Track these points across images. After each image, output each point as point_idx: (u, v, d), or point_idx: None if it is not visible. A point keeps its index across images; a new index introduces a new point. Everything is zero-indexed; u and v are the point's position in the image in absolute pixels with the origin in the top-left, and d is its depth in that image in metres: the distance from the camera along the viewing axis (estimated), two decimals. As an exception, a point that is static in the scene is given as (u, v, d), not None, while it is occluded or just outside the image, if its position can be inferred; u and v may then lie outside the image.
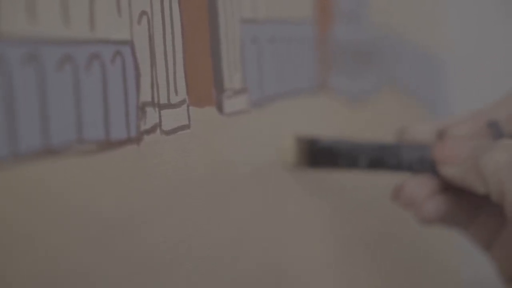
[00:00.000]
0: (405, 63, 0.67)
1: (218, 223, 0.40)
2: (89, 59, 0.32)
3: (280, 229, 0.47)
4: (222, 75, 0.41)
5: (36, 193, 0.29)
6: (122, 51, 0.34)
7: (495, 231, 0.44)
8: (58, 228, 0.30)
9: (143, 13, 0.35)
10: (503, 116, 0.44)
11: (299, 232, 0.49)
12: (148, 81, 0.35)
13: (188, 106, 0.38)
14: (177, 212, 0.37)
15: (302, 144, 0.46)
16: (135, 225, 0.34)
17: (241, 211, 0.43)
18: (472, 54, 0.79)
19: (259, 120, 0.44)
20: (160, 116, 0.36)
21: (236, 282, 0.42)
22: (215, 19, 0.40)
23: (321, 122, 0.52)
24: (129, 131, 0.34)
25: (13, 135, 0.28)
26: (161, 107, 0.36)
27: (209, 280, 0.40)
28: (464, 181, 0.42)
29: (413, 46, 0.69)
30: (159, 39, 0.36)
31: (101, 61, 0.32)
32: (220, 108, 0.41)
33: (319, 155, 0.46)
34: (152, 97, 0.35)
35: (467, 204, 0.44)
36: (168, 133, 0.36)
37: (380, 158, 0.44)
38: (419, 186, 0.44)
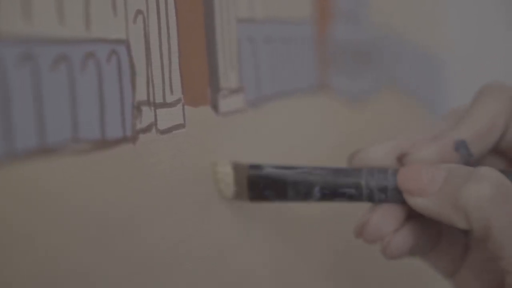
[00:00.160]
0: (405, 63, 0.67)
1: (214, 223, 0.41)
2: (84, 58, 0.32)
3: (281, 228, 0.47)
4: (218, 74, 0.41)
5: (32, 192, 0.29)
6: (118, 50, 0.34)
7: (459, 258, 0.42)
8: (54, 227, 0.30)
9: (139, 12, 0.35)
10: (469, 135, 0.40)
11: (301, 231, 0.49)
12: (144, 80, 0.35)
13: (183, 105, 0.38)
14: (174, 212, 0.37)
15: (240, 172, 0.39)
16: (130, 224, 0.34)
17: (237, 211, 0.43)
18: (472, 54, 0.79)
19: (255, 119, 0.44)
20: (155, 115, 0.36)
21: (236, 282, 0.42)
22: (211, 18, 0.40)
23: (319, 122, 0.52)
24: (124, 130, 0.34)
25: (9, 135, 0.28)
26: (156, 106, 0.36)
27: (209, 280, 0.40)
28: (440, 215, 0.37)
29: (413, 46, 0.69)
30: (154, 38, 0.36)
31: (97, 60, 0.32)
32: (215, 107, 0.41)
33: (262, 185, 0.39)
34: (148, 96, 0.35)
35: (432, 232, 0.41)
36: (163, 132, 0.37)
37: (336, 186, 0.39)
38: (384, 219, 0.39)
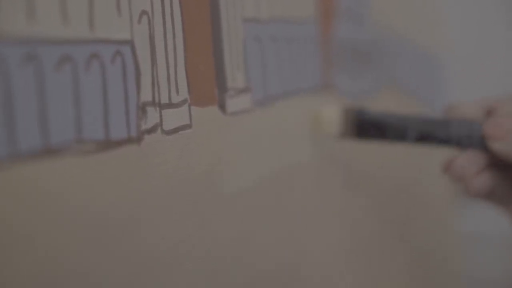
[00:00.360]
0: (405, 63, 0.67)
1: (219, 223, 0.40)
2: (88, 59, 0.31)
3: (283, 229, 0.47)
4: (225, 74, 0.41)
5: (35, 193, 0.29)
6: (122, 51, 0.33)
7: None
8: (57, 228, 0.30)
9: (144, 12, 0.35)
10: None
11: (303, 232, 0.49)
12: (149, 81, 0.35)
13: (189, 106, 0.38)
14: (178, 212, 0.37)
15: (348, 115, 0.46)
16: (135, 224, 0.34)
17: (243, 212, 0.42)
18: (472, 54, 0.79)
19: (262, 119, 0.44)
20: (161, 116, 0.36)
21: (236, 282, 0.42)
22: (217, 18, 0.40)
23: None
24: (129, 131, 0.34)
25: (12, 135, 0.28)
26: (162, 106, 0.36)
27: (209, 280, 0.40)
28: (509, 155, 0.45)
29: (414, 46, 0.69)
30: (159, 38, 0.36)
31: (101, 61, 0.32)
32: (222, 107, 0.40)
33: (366, 126, 0.46)
34: (153, 97, 0.35)
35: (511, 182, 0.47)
36: (169, 132, 0.36)
37: (429, 132, 0.46)
38: (468, 161, 0.46)
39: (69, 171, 0.31)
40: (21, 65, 0.28)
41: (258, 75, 0.44)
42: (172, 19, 0.37)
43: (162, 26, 0.36)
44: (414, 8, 0.71)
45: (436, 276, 0.68)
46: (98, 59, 0.32)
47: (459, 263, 0.76)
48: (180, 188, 0.37)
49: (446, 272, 0.71)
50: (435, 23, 0.76)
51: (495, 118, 0.46)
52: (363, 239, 0.56)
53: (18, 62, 0.28)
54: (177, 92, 0.37)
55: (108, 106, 0.32)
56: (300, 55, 0.49)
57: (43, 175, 0.29)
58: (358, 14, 0.58)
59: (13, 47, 0.28)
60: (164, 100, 0.36)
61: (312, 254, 0.50)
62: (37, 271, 0.29)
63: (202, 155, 0.39)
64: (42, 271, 0.29)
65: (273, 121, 0.45)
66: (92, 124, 0.31)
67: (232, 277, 0.42)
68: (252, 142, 0.43)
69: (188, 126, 0.38)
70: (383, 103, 0.62)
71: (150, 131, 0.35)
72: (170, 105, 0.36)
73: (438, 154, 0.50)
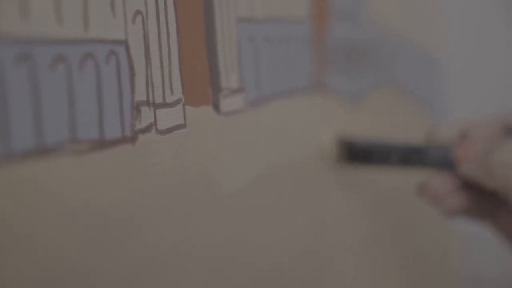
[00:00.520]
0: (403, 62, 0.67)
1: (214, 223, 0.40)
2: (83, 58, 0.32)
3: (281, 229, 0.47)
4: (219, 74, 0.41)
5: (29, 193, 0.29)
6: (117, 51, 0.34)
7: None
8: (52, 228, 0.30)
9: (138, 12, 0.35)
10: None
11: (301, 231, 0.49)
12: (143, 81, 0.35)
13: (184, 106, 0.38)
14: (174, 212, 0.37)
15: (342, 144, 0.51)
16: (130, 224, 0.34)
17: (238, 212, 0.43)
18: (470, 54, 0.79)
19: (256, 119, 0.44)
20: (155, 116, 0.36)
21: (235, 281, 0.42)
22: (211, 18, 0.40)
23: (318, 121, 0.52)
24: (123, 131, 0.34)
25: (6, 135, 0.28)
26: (156, 106, 0.36)
27: (208, 279, 0.40)
28: (477, 177, 0.46)
29: (412, 46, 0.69)
30: (154, 38, 0.36)
31: (95, 60, 0.32)
32: (216, 107, 0.41)
33: (356, 153, 0.51)
34: (147, 97, 0.35)
35: (487, 200, 0.49)
36: (163, 132, 0.36)
37: (408, 156, 0.49)
38: (441, 182, 0.48)
39: (64, 171, 0.31)
40: (15, 65, 0.28)
41: (252, 75, 0.44)
42: (166, 19, 0.37)
43: (156, 26, 0.36)
44: (413, 8, 0.71)
45: (435, 275, 0.68)
46: (92, 59, 0.32)
47: (458, 263, 0.76)
48: (175, 187, 0.37)
49: (445, 272, 0.71)
50: (435, 23, 0.76)
51: (465, 141, 0.48)
52: (361, 239, 0.56)
53: (11, 62, 0.28)
54: (171, 91, 0.37)
55: (102, 106, 0.33)
56: (294, 55, 0.49)
57: (37, 175, 0.29)
58: (354, 14, 0.58)
59: (6, 47, 0.28)
60: (159, 100, 0.36)
61: (312, 253, 0.50)
62: (36, 271, 0.29)
63: (197, 155, 0.39)
64: (41, 271, 0.29)
65: (267, 121, 0.45)
66: (86, 123, 0.32)
67: (232, 277, 0.42)
68: (246, 142, 0.43)
69: (183, 126, 0.38)
70: (381, 103, 0.62)
71: (145, 130, 0.35)
72: (165, 104, 0.37)
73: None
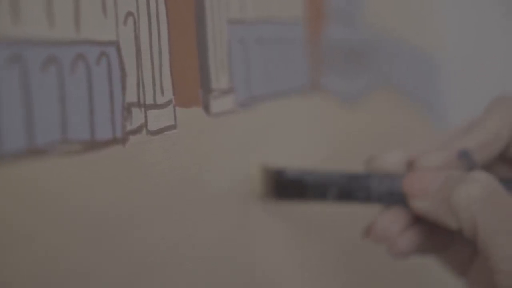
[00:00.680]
0: (400, 63, 0.67)
1: (205, 224, 0.41)
2: (74, 60, 0.32)
3: (280, 227, 0.47)
4: (209, 75, 0.41)
5: (21, 194, 0.29)
6: (108, 52, 0.34)
7: (469, 258, 0.44)
8: (47, 228, 0.30)
9: (129, 14, 0.35)
10: (473, 144, 0.43)
11: (300, 231, 0.49)
12: (134, 82, 0.35)
13: (174, 107, 0.38)
14: (164, 213, 0.37)
15: (268, 175, 0.44)
16: (123, 225, 0.34)
17: (228, 212, 0.43)
18: (468, 55, 0.79)
19: (246, 120, 0.44)
20: (146, 117, 0.36)
21: (236, 281, 0.42)
22: (202, 20, 0.40)
23: (312, 122, 0.52)
24: (114, 132, 0.34)
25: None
26: (147, 107, 0.36)
27: (208, 280, 0.40)
28: (435, 216, 0.40)
29: (409, 47, 0.70)
30: (145, 39, 0.36)
31: (86, 62, 0.32)
32: (206, 108, 0.41)
33: (285, 186, 0.44)
34: (138, 98, 0.36)
35: (440, 234, 0.43)
36: (154, 133, 0.37)
37: (349, 190, 0.43)
38: (391, 221, 0.42)
39: (55, 172, 0.31)
40: (6, 66, 0.28)
41: (242, 76, 0.44)
42: (157, 21, 0.37)
43: (147, 27, 0.36)
44: (411, 9, 0.71)
45: (435, 275, 0.68)
46: (83, 60, 0.32)
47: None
48: (166, 188, 0.37)
49: (444, 272, 0.71)
50: (433, 23, 0.76)
51: (415, 172, 0.42)
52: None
53: (2, 63, 0.28)
54: (162, 93, 0.37)
55: (93, 107, 0.33)
56: (287, 56, 0.49)
57: (29, 176, 0.29)
58: (350, 15, 0.58)
59: (-2, 48, 0.28)
60: (149, 100, 0.36)
61: (311, 253, 0.50)
62: (35, 271, 0.29)
63: (187, 156, 0.39)
64: (40, 271, 0.30)
65: (257, 122, 0.45)
66: (77, 124, 0.32)
67: (232, 277, 0.42)
68: (236, 143, 0.44)
69: (173, 126, 0.38)
70: (378, 104, 0.62)
71: (135, 131, 0.35)
72: (155, 105, 0.37)
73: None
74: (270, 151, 0.47)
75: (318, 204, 0.45)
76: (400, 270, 0.60)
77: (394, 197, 0.42)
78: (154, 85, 0.37)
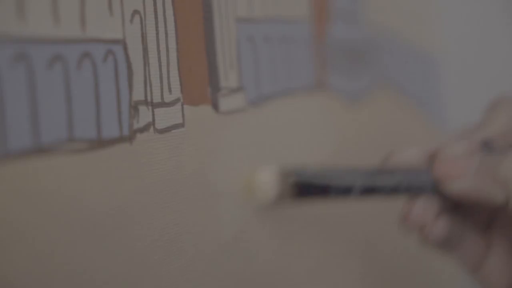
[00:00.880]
0: (401, 63, 0.67)
1: (212, 222, 0.41)
2: (80, 58, 0.32)
3: (280, 227, 0.47)
4: (218, 73, 0.41)
5: (27, 192, 0.29)
6: (114, 50, 0.34)
7: (484, 253, 0.45)
8: (50, 226, 0.30)
9: (136, 12, 0.35)
10: (495, 134, 0.44)
11: (299, 230, 0.49)
12: (141, 80, 0.35)
13: (182, 105, 0.38)
14: (172, 211, 0.37)
15: (286, 175, 0.42)
16: (129, 223, 0.34)
17: (236, 211, 0.43)
18: (468, 55, 0.79)
19: (255, 118, 0.44)
20: (153, 115, 0.36)
21: (236, 281, 0.42)
22: (210, 18, 0.40)
23: (317, 121, 0.52)
24: (121, 130, 0.34)
25: (3, 134, 0.28)
26: (154, 105, 0.36)
27: (207, 279, 0.40)
28: (477, 194, 0.42)
29: (410, 46, 0.69)
30: (152, 37, 0.36)
31: (93, 60, 0.32)
32: (215, 106, 0.41)
33: (307, 186, 0.42)
34: (145, 96, 0.35)
35: (463, 225, 0.45)
36: (161, 131, 0.37)
37: (375, 183, 0.43)
38: (426, 207, 0.43)
39: (61, 170, 0.31)
40: (12, 65, 0.28)
41: (251, 74, 0.44)
42: (164, 19, 0.37)
43: (154, 25, 0.36)
44: (412, 8, 0.71)
45: (434, 275, 0.68)
46: (89, 59, 0.32)
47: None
48: (173, 186, 0.37)
49: (444, 272, 0.71)
50: (434, 23, 0.76)
51: (443, 160, 0.43)
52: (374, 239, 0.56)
53: (8, 62, 0.28)
54: (170, 91, 0.37)
55: (100, 105, 0.33)
56: (293, 54, 0.49)
57: (34, 174, 0.30)
58: (353, 14, 0.58)
59: (3, 47, 0.28)
60: (157, 99, 0.36)
61: (311, 252, 0.50)
62: (37, 268, 0.29)
63: (195, 154, 0.39)
64: (35, 268, 0.30)
65: (266, 120, 0.45)
66: (84, 123, 0.32)
67: (231, 276, 0.42)
68: (245, 141, 0.43)
69: (181, 125, 0.38)
70: (379, 103, 0.62)
71: (143, 130, 0.35)
72: (163, 104, 0.37)
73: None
74: (278, 149, 0.46)
75: (322, 205, 0.45)
76: (400, 272, 0.60)
77: (423, 187, 0.43)
78: (161, 83, 0.36)
